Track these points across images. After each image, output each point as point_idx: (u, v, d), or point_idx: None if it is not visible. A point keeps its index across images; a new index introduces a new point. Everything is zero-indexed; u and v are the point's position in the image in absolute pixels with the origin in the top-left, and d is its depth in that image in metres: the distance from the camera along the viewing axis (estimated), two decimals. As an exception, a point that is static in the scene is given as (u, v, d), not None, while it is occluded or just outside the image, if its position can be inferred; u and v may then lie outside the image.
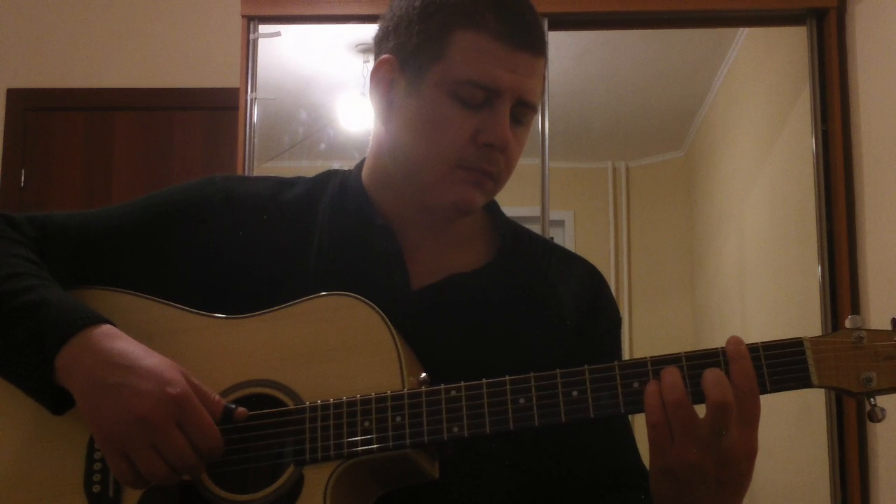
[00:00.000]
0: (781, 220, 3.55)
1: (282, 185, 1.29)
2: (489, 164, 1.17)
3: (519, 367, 1.08)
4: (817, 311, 3.11)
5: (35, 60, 3.98)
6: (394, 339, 1.08)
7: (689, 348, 1.05)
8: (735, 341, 1.03)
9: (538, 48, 1.18)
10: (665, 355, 1.04)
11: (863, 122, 3.09)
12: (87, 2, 4.02)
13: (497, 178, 1.20)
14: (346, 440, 1.05)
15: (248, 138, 3.28)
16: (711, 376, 1.01)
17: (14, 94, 3.95)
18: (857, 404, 2.64)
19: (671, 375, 1.02)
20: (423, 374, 1.09)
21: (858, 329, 1.02)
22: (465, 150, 1.16)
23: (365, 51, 3.58)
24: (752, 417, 1.01)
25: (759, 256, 3.75)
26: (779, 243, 3.59)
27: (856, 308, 3.05)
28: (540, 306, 1.24)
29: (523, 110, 1.19)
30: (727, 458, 1.01)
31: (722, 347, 1.04)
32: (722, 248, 4.02)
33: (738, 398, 1.00)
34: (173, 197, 1.27)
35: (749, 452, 1.02)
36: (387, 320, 1.09)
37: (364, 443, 1.05)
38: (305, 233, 1.24)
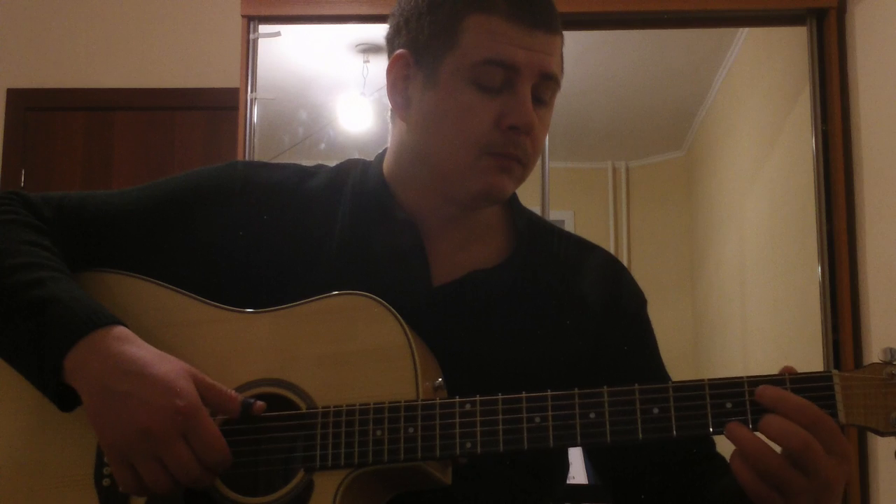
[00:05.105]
0: (781, 220, 3.55)
1: (304, 173, 1.27)
2: (515, 147, 1.15)
3: (544, 363, 1.06)
4: (817, 311, 3.10)
5: (35, 60, 3.98)
6: (409, 343, 1.05)
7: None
8: (761, 392, 0.97)
9: (553, 26, 1.17)
10: (686, 382, 1.00)
11: (863, 122, 3.08)
12: (87, 2, 4.01)
13: (525, 162, 1.17)
14: (356, 450, 1.03)
15: (248, 138, 3.28)
16: (774, 426, 0.96)
17: (14, 94, 3.94)
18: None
19: (745, 437, 0.96)
20: (439, 380, 1.07)
21: (890, 364, 0.97)
22: (489, 137, 1.14)
23: (365, 51, 3.57)
24: (836, 447, 0.96)
25: (759, 256, 3.75)
26: (779, 243, 3.59)
27: (856, 308, 3.05)
28: (562, 300, 1.22)
29: (546, 84, 1.16)
30: (827, 484, 0.96)
31: (746, 378, 0.99)
32: (722, 248, 4.02)
33: (815, 433, 0.95)
34: (192, 181, 1.25)
35: (841, 476, 0.97)
36: (403, 323, 1.07)
37: (375, 453, 1.03)
38: (327, 224, 1.22)
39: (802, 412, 0.96)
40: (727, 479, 1.01)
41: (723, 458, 1.15)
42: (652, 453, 1.18)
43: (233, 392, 1.06)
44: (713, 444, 1.21)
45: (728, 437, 0.98)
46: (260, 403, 1.06)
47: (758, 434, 0.97)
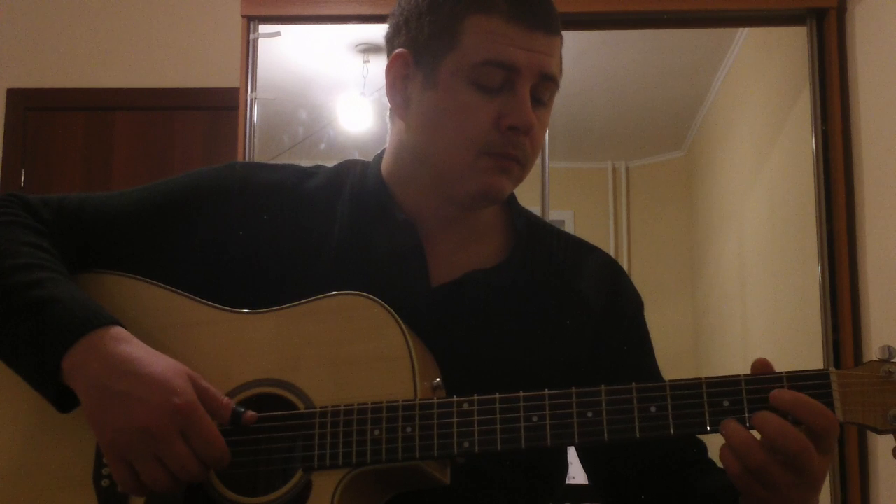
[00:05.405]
0: (781, 220, 3.55)
1: (303, 174, 1.27)
2: (514, 148, 1.15)
3: (542, 363, 1.06)
4: (817, 311, 3.10)
5: (35, 60, 3.98)
6: (407, 342, 1.05)
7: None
8: (776, 396, 0.97)
9: (553, 27, 1.17)
10: (684, 381, 1.00)
11: (863, 122, 3.09)
12: (87, 2, 4.01)
13: (524, 163, 1.18)
14: (354, 449, 1.03)
15: (248, 138, 3.27)
16: (772, 426, 0.95)
17: (14, 94, 3.94)
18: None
19: (736, 433, 0.96)
20: (437, 380, 1.07)
21: (887, 362, 0.97)
22: (488, 137, 1.14)
23: (365, 51, 3.57)
24: (829, 446, 0.97)
25: (759, 256, 3.75)
26: (779, 243, 3.59)
27: (856, 308, 3.05)
28: (560, 301, 1.23)
29: (545, 85, 1.17)
30: (814, 480, 0.98)
31: (743, 376, 0.99)
32: (722, 248, 4.02)
33: (820, 435, 0.96)
34: (192, 182, 1.25)
35: (827, 469, 0.98)
36: (401, 323, 1.07)
37: (373, 453, 1.03)
38: (326, 224, 1.22)
39: (815, 416, 0.96)
40: (725, 475, 1.02)
41: (714, 463, 1.15)
42: (646, 454, 1.19)
43: (225, 399, 1.06)
44: (705, 450, 1.22)
45: (721, 433, 0.98)
46: (251, 413, 1.06)
47: (753, 431, 0.98)
